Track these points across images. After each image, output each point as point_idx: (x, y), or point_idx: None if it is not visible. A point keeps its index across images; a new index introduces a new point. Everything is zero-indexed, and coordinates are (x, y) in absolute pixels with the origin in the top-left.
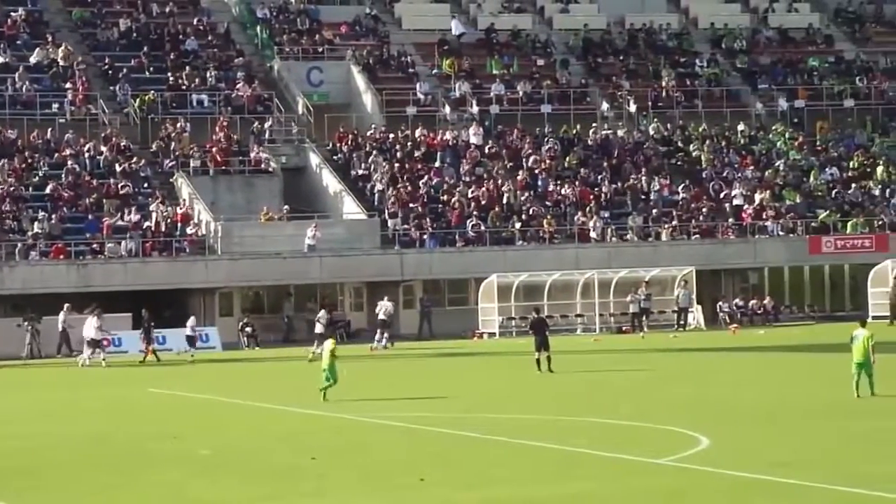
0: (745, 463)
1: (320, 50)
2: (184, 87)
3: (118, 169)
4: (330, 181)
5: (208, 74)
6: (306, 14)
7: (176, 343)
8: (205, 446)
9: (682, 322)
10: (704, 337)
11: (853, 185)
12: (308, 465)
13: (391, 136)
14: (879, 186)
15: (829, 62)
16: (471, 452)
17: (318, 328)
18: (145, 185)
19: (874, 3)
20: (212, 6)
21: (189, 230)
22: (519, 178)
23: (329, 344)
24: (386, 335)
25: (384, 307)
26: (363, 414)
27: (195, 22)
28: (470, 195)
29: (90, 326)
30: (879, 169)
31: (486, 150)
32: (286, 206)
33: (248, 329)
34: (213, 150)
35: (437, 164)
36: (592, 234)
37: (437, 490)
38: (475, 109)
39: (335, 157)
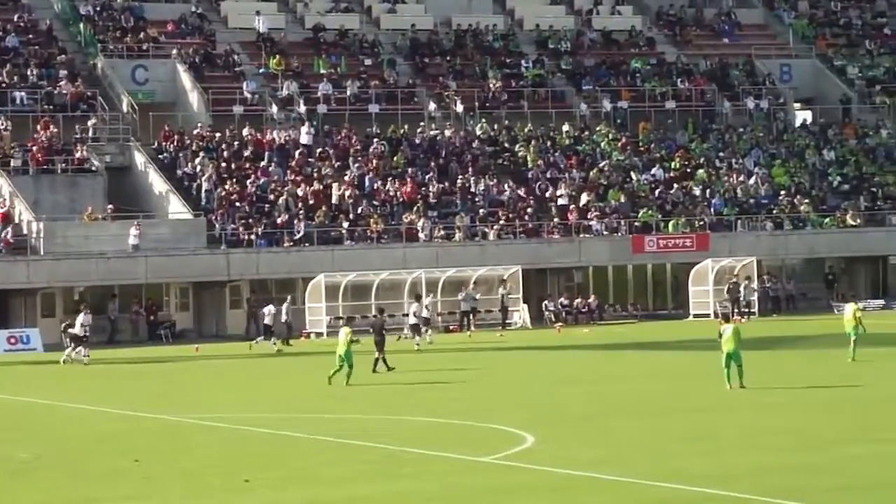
0: (568, 460)
1: (145, 48)
2: (4, 85)
3: None
4: (155, 180)
5: (29, 72)
6: (130, 12)
7: None
8: (25, 450)
9: (505, 321)
10: (530, 335)
11: (675, 186)
12: (131, 468)
13: (218, 135)
14: (700, 187)
15: (651, 64)
16: (296, 453)
17: (412, 319)
18: None
19: (694, 7)
20: (33, 2)
21: (9, 230)
22: (347, 177)
23: (345, 331)
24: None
25: (416, 308)
26: (187, 415)
27: (16, 18)
28: (298, 195)
29: (79, 324)
30: (700, 172)
31: (315, 150)
32: (110, 206)
33: (71, 330)
34: (35, 148)
35: (265, 163)
36: (420, 234)
37: (262, 491)
38: (303, 109)
39: (161, 157)
